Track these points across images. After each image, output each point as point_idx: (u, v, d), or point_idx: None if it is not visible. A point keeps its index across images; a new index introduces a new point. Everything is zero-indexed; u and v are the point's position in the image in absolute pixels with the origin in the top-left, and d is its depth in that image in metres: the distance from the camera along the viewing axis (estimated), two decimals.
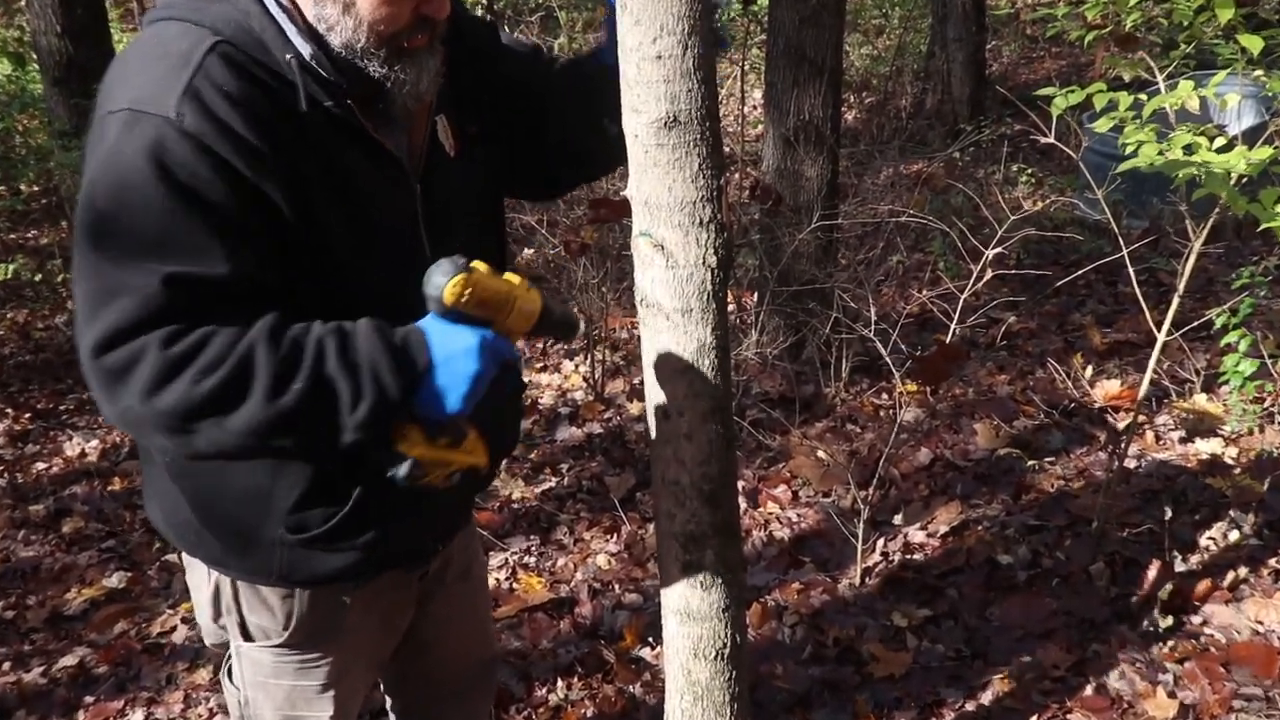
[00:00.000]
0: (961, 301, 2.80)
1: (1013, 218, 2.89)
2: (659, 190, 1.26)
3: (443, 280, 1.14)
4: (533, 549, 3.21)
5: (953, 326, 2.83)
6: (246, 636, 1.44)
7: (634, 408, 4.01)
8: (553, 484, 3.55)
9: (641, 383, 4.23)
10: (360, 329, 1.17)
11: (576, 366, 4.40)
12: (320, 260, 1.19)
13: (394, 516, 1.36)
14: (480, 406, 1.19)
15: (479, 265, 1.17)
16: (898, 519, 3.09)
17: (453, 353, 1.16)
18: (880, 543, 2.99)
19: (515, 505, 3.41)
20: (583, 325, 1.31)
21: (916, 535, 3.01)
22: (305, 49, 1.18)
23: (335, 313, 1.17)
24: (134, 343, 1.08)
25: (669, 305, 1.30)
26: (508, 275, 1.21)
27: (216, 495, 1.30)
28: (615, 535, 3.21)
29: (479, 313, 1.17)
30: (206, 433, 1.11)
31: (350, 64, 1.20)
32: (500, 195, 1.52)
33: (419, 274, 1.24)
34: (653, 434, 1.40)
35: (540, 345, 4.54)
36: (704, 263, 1.27)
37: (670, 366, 1.33)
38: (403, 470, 1.18)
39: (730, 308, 4.79)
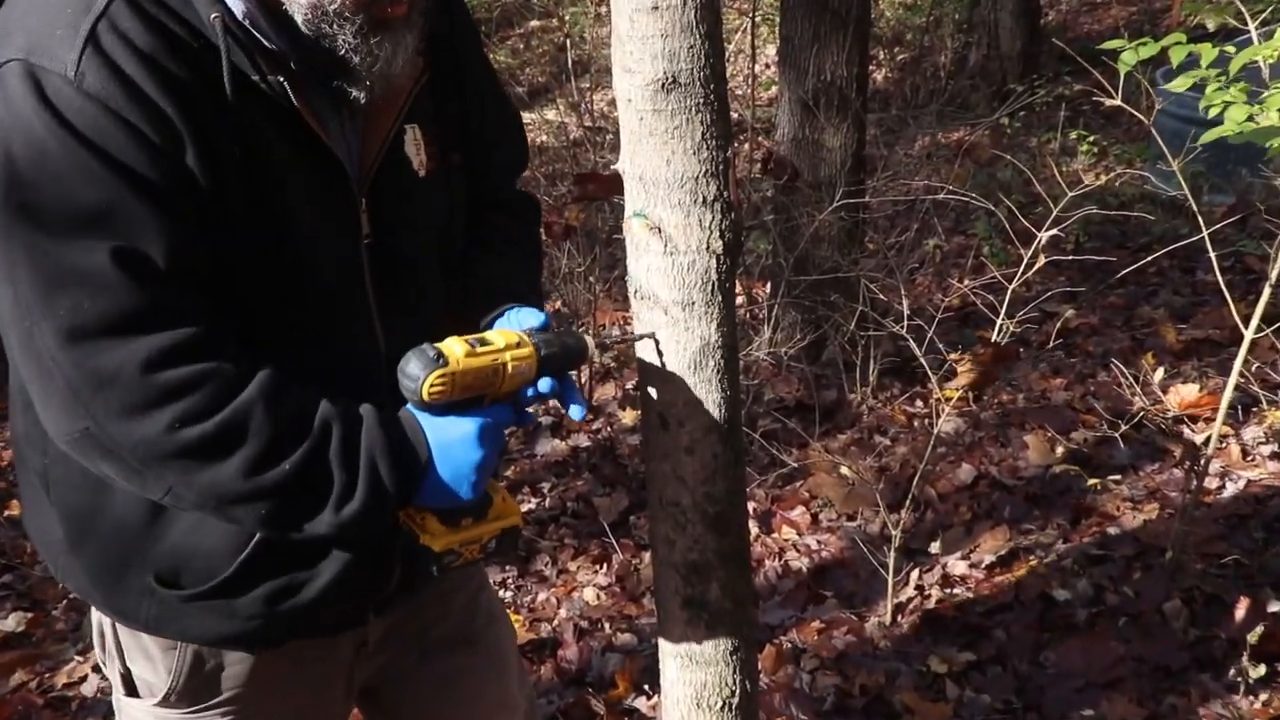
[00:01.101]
0: (1010, 292, 2.81)
1: (1071, 194, 2.90)
2: (656, 163, 1.26)
3: (415, 384, 1.17)
4: (509, 581, 3.21)
5: (999, 321, 2.84)
6: (130, 690, 1.43)
7: (627, 417, 4.01)
8: (532, 505, 3.55)
9: (635, 388, 4.25)
10: (366, 415, 1.20)
11: None
12: (221, 278, 1.15)
13: (294, 584, 1.31)
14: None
15: (451, 350, 1.18)
16: (935, 547, 3.10)
17: (451, 442, 1.20)
18: (915, 575, 3.00)
19: None
20: (592, 347, 1.32)
21: (957, 566, 3.02)
22: (237, 6, 1.14)
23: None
24: (106, 348, 1.08)
25: (667, 297, 1.31)
26: (487, 336, 1.22)
27: (89, 515, 1.29)
28: (605, 565, 3.22)
29: (467, 396, 1.20)
30: (162, 475, 1.13)
31: (312, 34, 1.16)
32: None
33: (354, 313, 1.26)
34: (649, 447, 1.41)
35: None
36: (708, 248, 1.28)
37: (669, 369, 1.34)
38: (433, 570, 1.24)
39: (739, 300, 4.82)
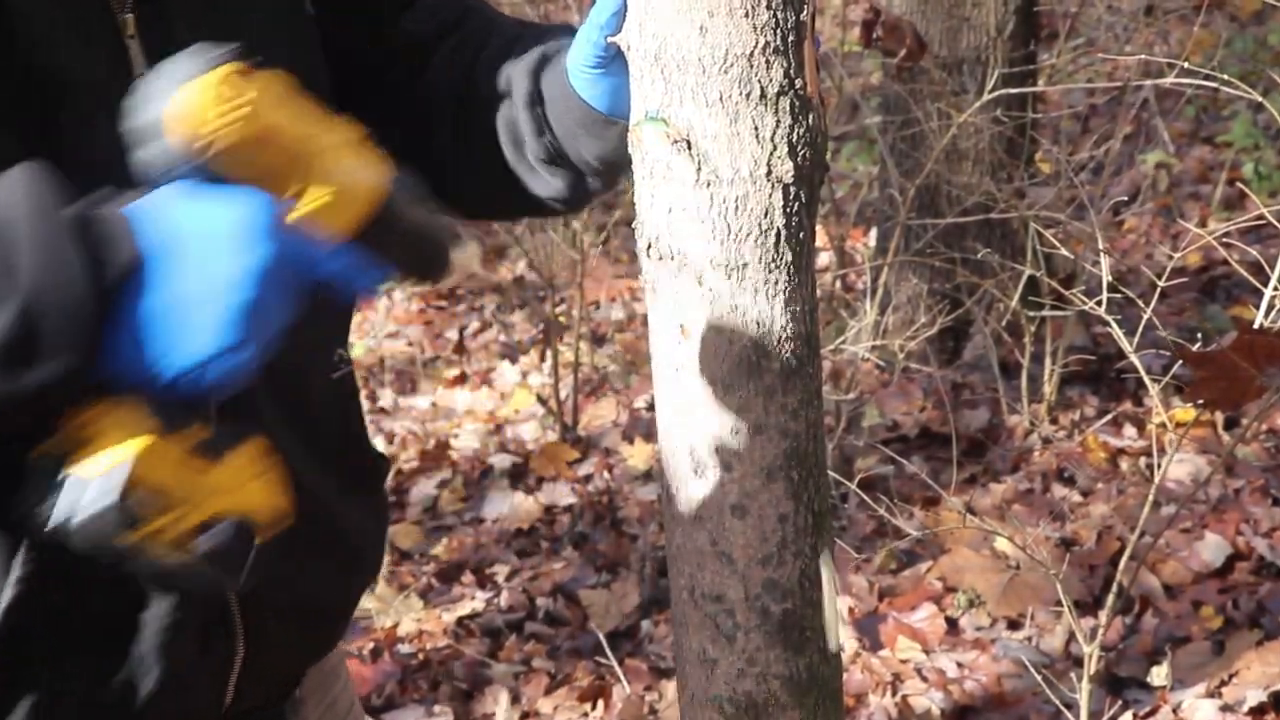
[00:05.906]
0: None
1: None
2: (683, 31, 1.27)
3: (153, 102, 1.07)
4: None
5: (1268, 291, 2.84)
6: None
7: (635, 455, 4.01)
8: (479, 604, 3.56)
9: (650, 407, 4.21)
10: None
11: (524, 374, 4.40)
12: None
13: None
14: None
15: (239, 70, 1.09)
16: (1159, 676, 3.09)
17: (203, 229, 1.09)
18: None
19: (405, 647, 3.42)
20: (475, 256, 1.25)
21: (1200, 709, 3.01)
22: None
23: None
24: None
25: (702, 256, 1.32)
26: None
27: None
28: (601, 704, 3.22)
29: (247, 173, 1.11)
30: None
31: None
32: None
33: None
34: (673, 506, 1.42)
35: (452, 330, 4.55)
36: (769, 173, 1.29)
37: (705, 375, 1.35)
38: (87, 500, 1.03)
39: (822, 260, 4.79)
